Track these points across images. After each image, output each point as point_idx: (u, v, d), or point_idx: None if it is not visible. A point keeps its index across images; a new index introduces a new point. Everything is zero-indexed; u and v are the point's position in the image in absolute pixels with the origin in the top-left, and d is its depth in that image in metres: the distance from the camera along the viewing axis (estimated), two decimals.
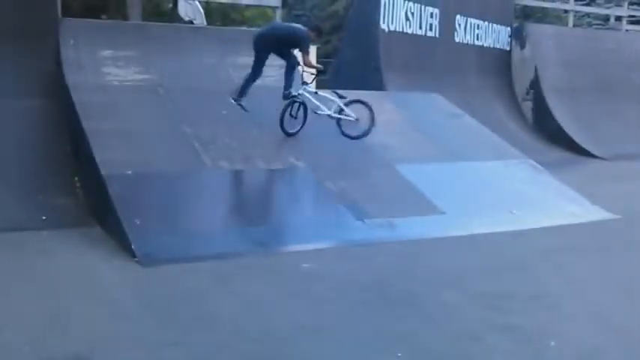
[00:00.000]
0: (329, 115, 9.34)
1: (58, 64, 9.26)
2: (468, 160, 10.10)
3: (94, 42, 9.77)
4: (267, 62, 9.29)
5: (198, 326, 5.02)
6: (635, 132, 17.43)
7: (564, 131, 16.98)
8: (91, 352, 4.54)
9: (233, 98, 9.17)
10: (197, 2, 15.10)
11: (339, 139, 9.48)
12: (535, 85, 17.91)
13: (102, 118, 8.44)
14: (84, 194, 8.09)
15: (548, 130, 17.28)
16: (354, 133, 9.33)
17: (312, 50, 10.30)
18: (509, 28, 18.61)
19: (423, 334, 5.10)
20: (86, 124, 8.19)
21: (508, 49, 18.59)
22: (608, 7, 24.72)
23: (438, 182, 9.20)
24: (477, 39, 17.66)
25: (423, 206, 8.55)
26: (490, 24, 17.98)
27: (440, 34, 16.44)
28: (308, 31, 9.21)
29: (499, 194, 9.31)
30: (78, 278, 5.98)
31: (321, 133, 9.36)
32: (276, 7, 13.53)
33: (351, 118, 9.28)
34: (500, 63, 18.35)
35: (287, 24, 10.42)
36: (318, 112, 9.37)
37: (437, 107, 11.99)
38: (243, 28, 16.53)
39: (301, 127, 9.44)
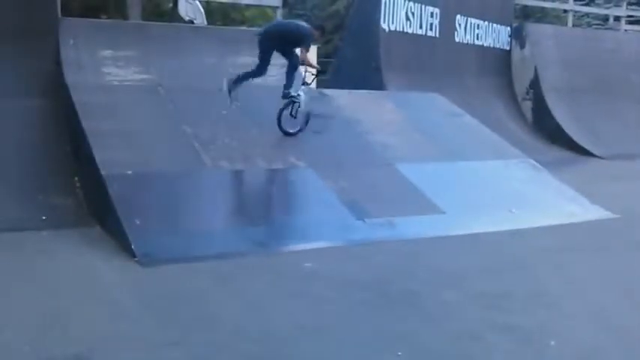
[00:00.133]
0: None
1: (58, 63, 9.24)
2: (468, 160, 10.11)
3: (93, 42, 9.76)
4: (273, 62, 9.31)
5: (198, 326, 5.02)
6: (634, 132, 17.43)
7: (564, 131, 16.97)
8: (91, 352, 4.53)
9: (226, 87, 9.15)
10: (197, 2, 15.10)
11: (340, 139, 9.50)
12: (535, 84, 17.90)
13: (102, 118, 8.43)
14: (84, 194, 8.09)
15: (547, 129, 17.28)
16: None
17: (313, 50, 10.29)
18: (509, 28, 18.59)
19: (423, 334, 5.10)
20: (86, 124, 8.18)
21: (508, 48, 18.58)
22: (607, 7, 24.72)
23: (438, 181, 9.20)
24: (477, 39, 17.65)
25: (423, 206, 8.55)
26: (490, 24, 17.97)
27: (440, 34, 16.44)
28: (312, 29, 9.22)
29: (499, 193, 9.32)
30: (78, 278, 5.98)
31: (321, 133, 9.36)
32: (277, 7, 13.51)
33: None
34: (500, 63, 18.34)
35: (291, 21, 10.40)
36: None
37: (437, 107, 11.99)
38: (244, 27, 16.53)
39: (302, 128, 9.43)
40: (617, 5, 23.46)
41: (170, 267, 6.36)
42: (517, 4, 20.24)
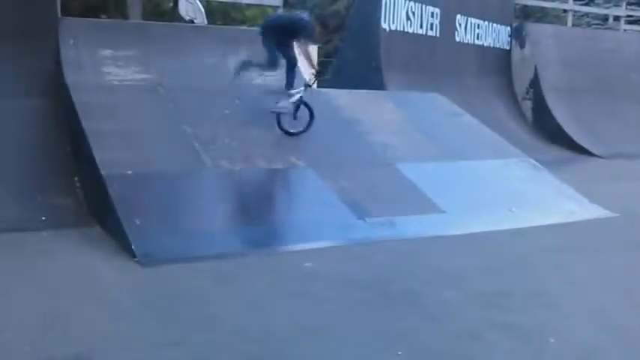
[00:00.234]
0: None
1: (58, 63, 9.23)
2: (468, 159, 10.11)
3: (93, 41, 9.75)
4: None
5: (198, 326, 5.02)
6: (634, 131, 17.44)
7: (564, 130, 16.98)
8: (91, 352, 4.53)
9: (236, 66, 9.23)
10: (198, 1, 15.10)
11: (340, 139, 9.50)
12: (535, 84, 17.91)
13: (102, 117, 8.42)
14: (84, 194, 8.08)
15: (547, 129, 17.29)
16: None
17: (314, 50, 10.24)
18: (509, 28, 18.60)
19: (423, 333, 5.10)
20: (86, 124, 8.17)
21: (508, 48, 18.58)
22: (606, 7, 24.73)
23: (438, 181, 9.21)
24: (477, 38, 17.66)
25: (424, 205, 8.55)
26: (490, 23, 17.97)
27: (440, 34, 16.44)
28: (313, 21, 9.17)
29: (499, 193, 9.32)
30: (78, 278, 5.98)
31: (321, 133, 9.36)
32: (277, 7, 13.50)
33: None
34: (500, 62, 18.34)
35: (293, 14, 10.34)
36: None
37: (437, 106, 11.99)
38: (244, 27, 16.52)
39: (305, 128, 9.37)
40: (617, 5, 23.46)
41: (170, 267, 6.36)
42: (517, 4, 20.24)
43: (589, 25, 26.74)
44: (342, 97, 11.14)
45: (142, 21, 14.24)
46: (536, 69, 17.91)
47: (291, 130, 9.32)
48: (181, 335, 4.87)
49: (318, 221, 7.84)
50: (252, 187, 8.68)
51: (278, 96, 9.28)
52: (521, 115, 17.93)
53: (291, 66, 9.28)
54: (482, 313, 5.55)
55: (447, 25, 16.63)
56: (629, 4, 22.75)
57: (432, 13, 16.18)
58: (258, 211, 8.10)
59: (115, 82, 9.46)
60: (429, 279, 6.37)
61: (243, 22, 20.25)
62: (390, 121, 10.73)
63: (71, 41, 9.52)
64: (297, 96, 9.33)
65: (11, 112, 8.57)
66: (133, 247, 6.55)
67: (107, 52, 9.74)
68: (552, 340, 5.02)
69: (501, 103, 17.75)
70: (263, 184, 8.78)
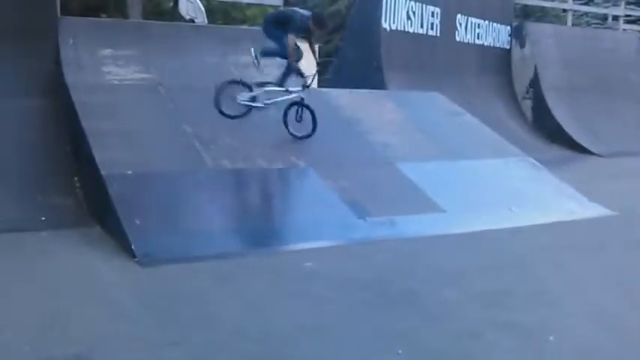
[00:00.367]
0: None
1: (58, 63, 9.24)
2: (468, 159, 10.11)
3: (93, 41, 9.76)
4: (267, 62, 9.27)
5: (198, 326, 5.02)
6: (633, 130, 17.49)
7: (563, 129, 16.98)
8: (90, 352, 4.53)
9: (253, 54, 9.18)
10: (198, 0, 15.11)
11: (340, 138, 9.49)
12: (535, 83, 17.90)
13: (102, 117, 8.42)
14: (84, 194, 8.08)
15: (547, 128, 17.29)
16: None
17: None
18: (509, 27, 18.59)
19: (423, 332, 5.10)
20: (86, 124, 8.17)
21: (508, 47, 18.57)
22: (605, 7, 24.75)
23: (438, 180, 9.20)
24: (478, 38, 17.66)
25: (424, 204, 8.55)
26: (490, 23, 17.97)
27: (441, 33, 16.44)
28: (308, 17, 8.98)
29: (499, 192, 9.32)
30: (78, 278, 5.97)
31: (321, 132, 9.35)
32: (278, 6, 13.50)
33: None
34: (500, 62, 18.34)
35: (294, 9, 10.24)
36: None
37: (437, 106, 11.99)
38: (245, 26, 16.53)
39: (310, 133, 9.21)
40: (616, 5, 23.47)
41: (170, 267, 6.35)
42: (517, 4, 20.24)
43: (588, 24, 26.76)
44: (343, 97, 11.14)
45: (142, 20, 14.22)
46: (536, 68, 17.90)
47: (296, 134, 9.24)
48: (181, 335, 4.86)
49: (318, 221, 7.84)
50: (252, 186, 8.67)
51: (249, 87, 9.19)
52: (521, 114, 17.94)
53: (287, 69, 9.18)
54: (482, 312, 5.55)
55: (448, 24, 16.63)
56: (627, 3, 22.78)
57: (433, 13, 16.17)
58: (258, 210, 8.11)
59: (115, 82, 9.47)
60: (430, 278, 6.37)
61: (243, 22, 20.24)
62: (390, 121, 10.73)
63: (71, 41, 9.53)
64: (291, 95, 9.19)
65: (11, 112, 8.57)
66: (133, 247, 6.55)
67: (107, 51, 9.75)
68: (552, 339, 5.02)
69: (501, 102, 17.75)
70: (263, 184, 8.77)
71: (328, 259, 6.82)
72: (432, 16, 16.18)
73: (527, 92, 18.09)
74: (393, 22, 15.11)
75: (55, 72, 9.17)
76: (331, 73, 17.10)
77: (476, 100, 15.52)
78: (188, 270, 6.29)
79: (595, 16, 26.30)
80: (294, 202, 8.65)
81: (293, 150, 9.04)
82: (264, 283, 6.06)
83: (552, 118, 17.28)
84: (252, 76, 9.47)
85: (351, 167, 9.00)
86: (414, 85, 14.14)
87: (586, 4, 25.41)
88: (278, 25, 9.07)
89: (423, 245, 7.42)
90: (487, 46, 17.97)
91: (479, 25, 17.60)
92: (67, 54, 9.37)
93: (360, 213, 8.02)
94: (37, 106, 8.86)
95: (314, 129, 9.22)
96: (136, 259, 6.43)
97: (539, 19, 23.84)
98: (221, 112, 8.96)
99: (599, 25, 26.07)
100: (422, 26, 15.95)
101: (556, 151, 15.94)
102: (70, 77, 9.08)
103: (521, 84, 18.26)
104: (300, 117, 9.25)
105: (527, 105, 18.07)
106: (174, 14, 16.90)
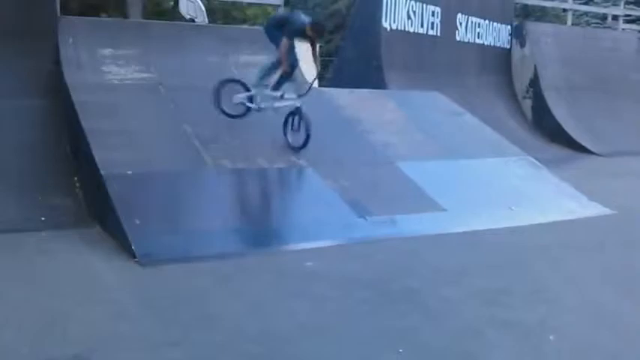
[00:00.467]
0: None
1: (57, 63, 9.23)
2: (468, 158, 10.11)
3: (93, 40, 9.74)
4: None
5: (198, 326, 5.01)
6: (632, 129, 17.50)
7: (563, 129, 17.00)
8: (90, 352, 4.52)
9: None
10: (199, 0, 15.11)
11: (341, 138, 9.48)
12: (535, 83, 17.92)
13: (102, 117, 8.41)
14: (83, 194, 8.07)
15: (547, 127, 17.32)
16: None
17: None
18: (509, 27, 18.61)
19: (423, 331, 5.10)
20: (86, 124, 8.16)
21: (508, 47, 18.60)
22: (605, 6, 24.76)
23: (439, 179, 9.21)
24: (478, 37, 17.66)
25: (424, 203, 8.55)
26: (490, 22, 17.98)
27: (441, 33, 16.45)
28: (305, 22, 8.83)
29: (499, 191, 9.34)
30: (77, 279, 5.97)
31: (322, 132, 9.34)
32: (278, 6, 13.50)
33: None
34: (500, 61, 18.35)
35: (294, 12, 10.20)
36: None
37: (438, 105, 11.98)
38: (245, 26, 16.53)
39: (302, 145, 8.91)
40: (615, 4, 23.48)
41: (170, 267, 6.35)
42: (517, 3, 20.25)
43: (588, 24, 26.80)
44: (343, 96, 11.13)
45: (142, 20, 14.24)
46: (536, 68, 17.91)
47: (293, 145, 8.99)
48: (181, 335, 4.86)
49: (319, 220, 7.83)
50: (253, 186, 8.67)
51: (245, 87, 9.20)
52: (521, 113, 17.96)
53: (278, 64, 9.09)
54: (482, 311, 5.55)
55: (448, 24, 16.64)
56: (627, 3, 22.81)
57: (433, 12, 16.19)
58: (258, 210, 8.10)
59: (115, 82, 9.45)
60: (430, 277, 6.37)
61: (244, 21, 20.27)
62: (390, 120, 10.73)
63: (71, 40, 9.52)
64: (287, 102, 9.03)
65: (11, 112, 8.56)
66: (132, 247, 6.54)
67: (107, 51, 9.73)
68: (552, 337, 5.02)
69: (501, 101, 17.76)
70: (264, 184, 8.77)
71: (329, 258, 6.82)
72: (433, 15, 16.19)
73: (527, 92, 18.11)
74: (394, 22, 15.12)
75: (54, 72, 9.16)
76: (332, 73, 17.12)
77: (476, 99, 15.53)
78: (188, 270, 6.28)
79: (595, 15, 26.33)
80: (294, 201, 8.64)
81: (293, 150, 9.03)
82: (265, 283, 6.06)
83: (552, 117, 17.29)
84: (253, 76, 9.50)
85: (351, 166, 8.99)
86: (415, 84, 14.14)
87: (586, 3, 25.45)
88: (278, 28, 9.07)
89: (424, 244, 7.42)
90: (487, 45, 17.98)
91: (479, 24, 17.61)
92: (66, 54, 9.36)
93: (360, 212, 8.02)
94: (37, 106, 8.86)
95: (306, 141, 8.86)
96: (136, 259, 6.42)
97: (539, 19, 23.88)
98: (221, 111, 8.99)
99: (598, 25, 26.10)
100: (422, 26, 15.96)
101: (556, 151, 15.96)
102: (70, 77, 9.06)
103: (521, 83, 18.28)
104: (298, 126, 8.96)
105: (527, 104, 18.09)
106: (174, 14, 16.92)
